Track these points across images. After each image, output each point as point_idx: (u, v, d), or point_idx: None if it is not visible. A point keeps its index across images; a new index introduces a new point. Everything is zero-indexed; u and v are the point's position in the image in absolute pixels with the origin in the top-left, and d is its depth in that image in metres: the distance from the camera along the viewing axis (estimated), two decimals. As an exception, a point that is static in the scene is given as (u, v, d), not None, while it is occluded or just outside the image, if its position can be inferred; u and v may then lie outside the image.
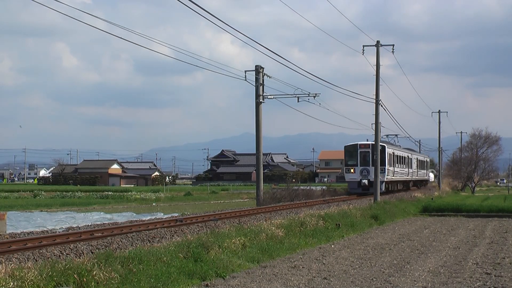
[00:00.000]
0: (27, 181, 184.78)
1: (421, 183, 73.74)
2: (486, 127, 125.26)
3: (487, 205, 39.63)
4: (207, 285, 13.31)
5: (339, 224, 24.89)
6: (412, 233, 25.63)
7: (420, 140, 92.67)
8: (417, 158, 67.56)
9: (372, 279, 14.18)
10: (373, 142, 44.12)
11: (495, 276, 14.74)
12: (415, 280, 14.04)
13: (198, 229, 21.26)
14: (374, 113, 40.04)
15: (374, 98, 39.95)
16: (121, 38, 21.23)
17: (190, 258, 14.83)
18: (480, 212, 37.17)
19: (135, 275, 12.54)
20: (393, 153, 51.91)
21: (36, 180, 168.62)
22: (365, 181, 47.92)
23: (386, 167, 47.79)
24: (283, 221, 22.72)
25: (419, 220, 33.70)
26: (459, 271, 15.42)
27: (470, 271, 15.47)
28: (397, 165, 53.44)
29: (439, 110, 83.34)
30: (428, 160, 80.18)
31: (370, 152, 47.39)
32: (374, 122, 40.88)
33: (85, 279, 11.58)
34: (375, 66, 39.97)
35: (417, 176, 67.24)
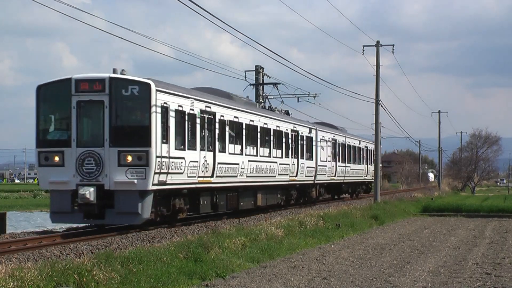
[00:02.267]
0: (27, 181, 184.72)
1: (355, 187, 46.89)
2: (486, 127, 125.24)
3: (487, 205, 39.65)
4: (207, 285, 13.31)
5: (339, 224, 24.88)
6: (412, 233, 25.61)
7: (420, 140, 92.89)
8: (336, 140, 40.02)
9: (372, 279, 14.17)
10: (113, 75, 19.55)
11: (495, 276, 14.73)
12: (415, 280, 14.03)
13: (198, 229, 21.27)
14: (374, 113, 40.08)
15: (374, 98, 39.99)
16: (121, 38, 21.23)
17: (190, 258, 14.83)
18: (480, 212, 37.15)
19: (135, 275, 12.54)
20: (237, 120, 25.42)
21: (36, 180, 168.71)
22: (88, 193, 18.67)
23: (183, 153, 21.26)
24: (283, 221, 22.72)
25: (419, 220, 33.68)
26: (459, 271, 15.41)
27: (470, 271, 15.46)
28: (250, 148, 26.62)
29: (439, 110, 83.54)
30: (371, 148, 48.83)
31: (108, 105, 19.41)
32: (374, 122, 40.94)
33: (85, 279, 11.58)
34: (375, 66, 40.01)
35: (334, 175, 39.51)
